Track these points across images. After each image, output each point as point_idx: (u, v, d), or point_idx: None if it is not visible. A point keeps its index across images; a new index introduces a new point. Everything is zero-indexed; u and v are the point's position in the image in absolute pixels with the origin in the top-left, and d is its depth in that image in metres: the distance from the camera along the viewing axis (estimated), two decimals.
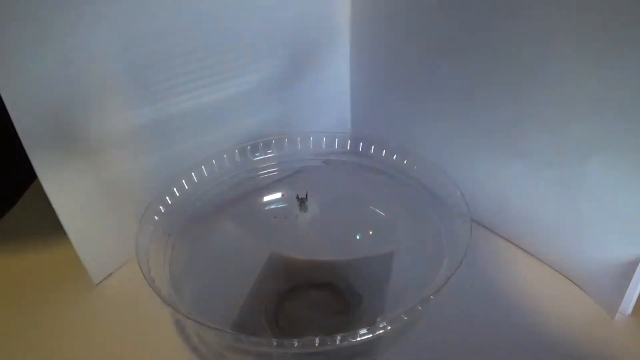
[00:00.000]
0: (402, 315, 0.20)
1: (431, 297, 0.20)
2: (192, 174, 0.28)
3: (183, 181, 0.27)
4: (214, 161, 0.29)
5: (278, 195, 0.33)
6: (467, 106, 0.30)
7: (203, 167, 0.28)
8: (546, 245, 0.30)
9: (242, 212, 0.32)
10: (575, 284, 0.28)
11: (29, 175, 0.31)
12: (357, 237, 0.31)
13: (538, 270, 0.30)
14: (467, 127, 0.30)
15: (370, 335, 0.19)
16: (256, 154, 0.31)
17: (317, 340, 0.19)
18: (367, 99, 0.38)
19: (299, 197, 0.31)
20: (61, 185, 0.26)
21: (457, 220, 0.24)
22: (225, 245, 0.30)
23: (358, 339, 0.19)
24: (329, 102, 0.39)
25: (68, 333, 0.27)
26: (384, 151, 0.29)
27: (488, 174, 0.31)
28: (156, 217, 0.25)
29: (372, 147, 0.30)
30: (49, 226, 0.27)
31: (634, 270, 0.25)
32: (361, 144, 0.30)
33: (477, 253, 0.30)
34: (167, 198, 0.26)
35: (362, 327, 0.19)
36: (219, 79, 0.31)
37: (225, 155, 0.29)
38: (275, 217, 0.32)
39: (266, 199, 0.32)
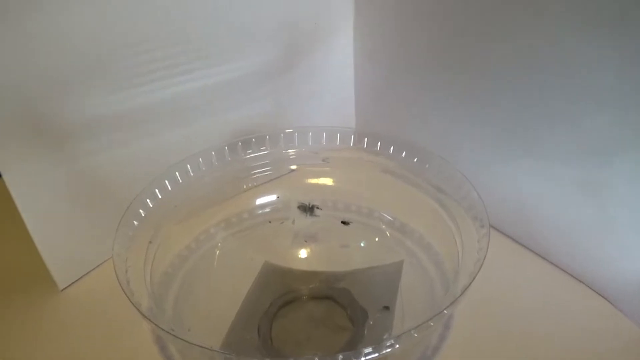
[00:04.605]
0: (413, 332, 0.20)
1: (444, 311, 0.20)
2: (176, 173, 0.28)
3: (166, 181, 0.27)
4: (200, 159, 0.29)
5: (273, 197, 0.33)
6: (484, 99, 0.30)
7: (188, 165, 0.28)
8: (572, 255, 0.30)
9: (233, 217, 0.32)
10: (606, 299, 0.28)
11: None
12: (362, 244, 0.31)
13: (563, 282, 0.29)
14: (484, 123, 0.30)
15: (377, 354, 0.19)
16: (248, 151, 0.31)
17: None
18: (374, 91, 0.38)
19: (306, 206, 0.32)
20: (25, 180, 0.26)
21: (474, 225, 0.24)
22: (214, 253, 0.30)
23: (363, 359, 0.19)
24: (331, 93, 0.39)
25: (27, 341, 0.26)
26: (392, 148, 0.30)
27: (507, 174, 0.31)
28: (135, 222, 0.25)
29: (379, 143, 0.30)
30: (12, 225, 0.27)
31: None
32: (366, 140, 0.30)
33: (496, 262, 0.30)
34: (148, 200, 0.26)
35: (367, 345, 0.19)
36: (205, 64, 0.31)
37: (213, 152, 0.29)
38: (269, 222, 0.32)
39: (259, 201, 0.32)
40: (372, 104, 0.39)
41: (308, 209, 0.32)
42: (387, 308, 0.26)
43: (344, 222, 0.32)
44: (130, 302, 0.20)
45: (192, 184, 0.29)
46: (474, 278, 0.21)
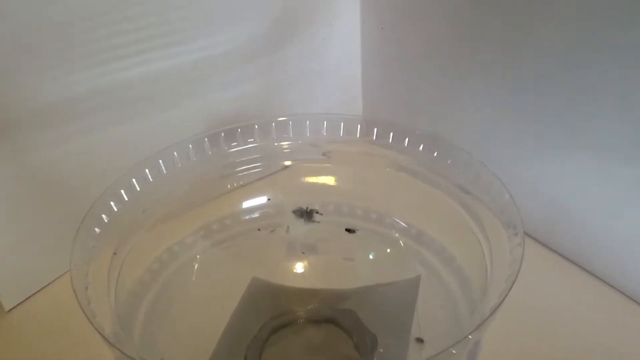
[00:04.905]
0: None
1: (470, 337, 0.20)
2: (146, 170, 0.28)
3: (133, 180, 0.27)
4: (175, 153, 0.29)
5: (263, 199, 0.33)
6: (522, 85, 0.30)
7: (160, 161, 0.29)
8: (624, 270, 0.30)
9: (214, 223, 0.32)
10: None
11: None
12: (370, 256, 0.31)
13: (613, 302, 0.30)
14: (520, 112, 0.31)
15: None
16: (233, 144, 0.31)
17: None
18: (385, 71, 0.39)
19: (304, 210, 0.32)
20: None
21: (506, 233, 0.24)
22: (191, 267, 0.30)
23: None
24: (333, 74, 0.39)
25: None
26: (407, 140, 0.30)
27: (546, 172, 0.31)
28: (97, 230, 0.25)
29: (391, 134, 0.30)
30: None
31: None
32: (376, 130, 0.30)
33: (531, 278, 0.30)
34: (112, 203, 0.26)
35: None
36: (180, 39, 0.31)
37: (190, 145, 0.30)
38: (259, 230, 0.32)
39: (247, 204, 0.33)
40: (382, 87, 0.39)
41: (305, 214, 0.32)
42: (401, 334, 0.26)
43: (348, 230, 0.32)
44: (92, 325, 0.21)
45: (165, 184, 0.29)
46: (505, 297, 0.21)
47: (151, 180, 0.28)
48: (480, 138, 0.32)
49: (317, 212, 0.32)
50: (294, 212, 0.32)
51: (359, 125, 0.31)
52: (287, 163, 0.32)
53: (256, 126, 0.31)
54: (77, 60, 0.28)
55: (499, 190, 0.25)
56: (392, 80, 0.38)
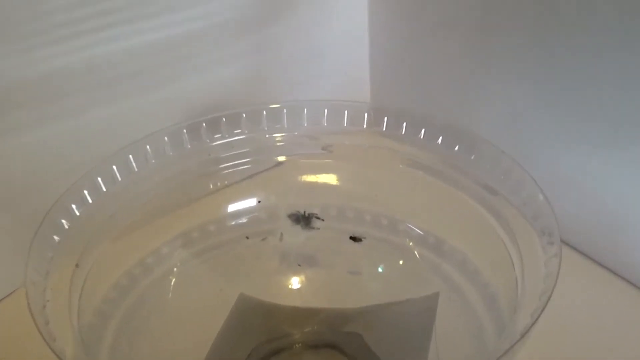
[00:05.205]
0: None
1: None
2: (114, 167, 0.28)
3: (99, 179, 0.28)
4: (147, 147, 0.29)
5: (252, 202, 0.33)
6: (552, 65, 0.30)
7: (131, 156, 0.29)
8: None
9: (194, 230, 0.32)
10: None
11: None
12: (379, 269, 0.32)
13: None
14: (552, 100, 0.31)
15: None
16: (216, 136, 0.31)
17: None
18: (396, 50, 0.39)
19: (300, 215, 0.32)
20: None
21: (540, 242, 0.24)
22: (168, 282, 0.30)
23: None
24: (335, 53, 0.40)
25: None
26: (423, 131, 0.30)
27: (583, 171, 0.31)
28: (56, 238, 0.25)
29: (404, 124, 0.30)
30: None
31: None
32: (386, 120, 0.30)
33: (569, 294, 0.30)
34: (74, 206, 0.27)
35: None
36: (154, 11, 0.31)
37: (166, 138, 0.30)
38: (247, 238, 0.32)
39: (233, 208, 0.33)
40: (394, 69, 0.40)
41: (303, 219, 0.32)
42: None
43: (353, 238, 0.32)
44: (51, 349, 0.21)
45: (136, 183, 0.29)
46: (538, 316, 0.21)
47: (120, 179, 0.28)
48: (508, 130, 0.33)
49: (316, 217, 0.32)
50: (290, 216, 0.32)
51: (365, 114, 0.31)
52: (281, 159, 0.33)
53: (244, 115, 0.31)
54: (28, 37, 0.28)
55: (532, 191, 0.26)
56: (405, 60, 0.38)
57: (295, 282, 0.32)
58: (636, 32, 0.27)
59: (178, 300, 0.30)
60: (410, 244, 0.32)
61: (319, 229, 0.32)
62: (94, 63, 0.31)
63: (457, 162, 0.29)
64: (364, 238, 0.32)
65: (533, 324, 0.21)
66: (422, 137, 0.30)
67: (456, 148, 0.29)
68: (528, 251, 0.25)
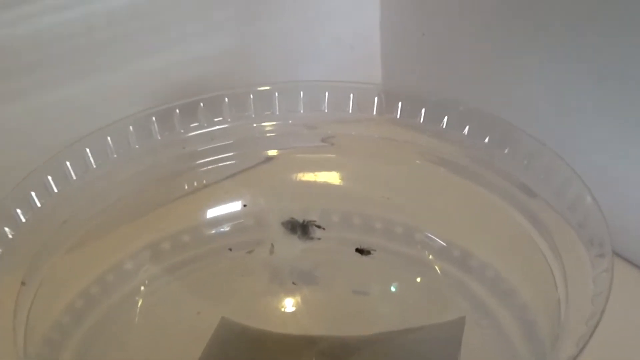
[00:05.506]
0: None
1: None
2: (67, 163, 0.28)
3: (49, 178, 0.28)
4: (109, 138, 0.29)
5: (236, 206, 0.33)
6: (602, 45, 0.30)
7: (88, 150, 0.29)
8: None
9: (165, 240, 0.32)
10: None
11: None
12: (392, 288, 0.32)
13: None
14: (598, 76, 0.31)
15: None
16: (192, 125, 0.31)
17: None
18: (412, 20, 0.39)
19: (296, 222, 0.32)
20: None
21: (588, 254, 0.24)
22: (134, 304, 0.30)
23: None
24: (339, 24, 0.39)
25: None
26: (445, 119, 0.30)
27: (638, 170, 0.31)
28: None
29: (422, 111, 0.30)
30: None
31: None
32: (400, 105, 0.30)
33: (623, 315, 0.30)
34: (19, 211, 0.26)
35: None
36: None
37: (131, 127, 0.30)
38: (230, 250, 0.32)
39: (213, 213, 0.33)
40: (410, 43, 0.40)
41: (300, 228, 0.32)
42: None
43: (360, 251, 0.32)
44: None
45: (95, 183, 0.29)
46: (584, 345, 0.21)
47: (74, 177, 0.28)
48: (550, 117, 0.33)
49: (315, 225, 0.32)
50: (284, 224, 0.32)
51: (375, 98, 0.31)
52: (272, 153, 0.33)
53: (226, 99, 0.31)
54: None
55: (578, 192, 0.26)
56: (424, 32, 0.38)
57: (288, 304, 0.32)
58: None
59: (146, 326, 0.30)
60: (430, 257, 0.32)
61: (319, 239, 0.32)
62: (40, 36, 0.31)
63: (487, 156, 0.29)
64: (374, 250, 0.32)
65: (579, 353, 0.21)
66: (444, 126, 0.30)
67: (486, 139, 0.29)
68: (573, 265, 0.25)
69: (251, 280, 0.32)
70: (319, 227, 0.32)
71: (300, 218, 0.32)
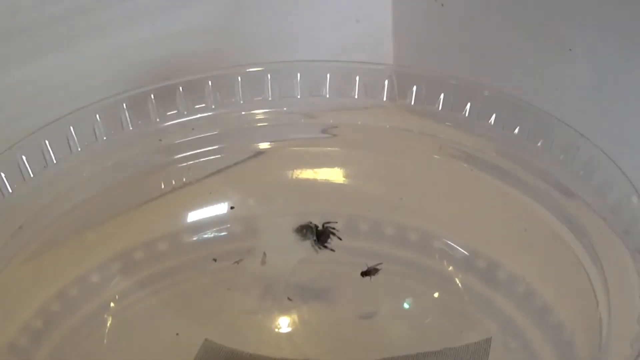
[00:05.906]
0: None
1: None
2: (23, 157, 0.28)
3: (2, 175, 0.28)
4: (71, 128, 0.29)
5: (222, 208, 0.33)
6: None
7: (47, 142, 0.29)
8: None
9: (138, 249, 0.32)
10: None
11: None
12: (406, 305, 0.32)
13: None
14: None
15: None
16: (170, 112, 0.31)
17: None
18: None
19: (313, 227, 0.31)
20: None
21: (634, 263, 0.24)
22: (103, 323, 0.30)
23: None
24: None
25: None
26: (468, 106, 0.30)
27: None
28: None
29: (441, 96, 0.30)
30: None
31: None
32: (415, 89, 0.31)
33: None
34: None
35: None
36: None
37: (97, 115, 0.30)
38: (214, 261, 0.33)
39: (194, 217, 0.33)
40: (427, 17, 0.40)
41: (316, 234, 0.32)
42: None
43: (366, 273, 0.31)
44: None
45: (55, 182, 0.29)
46: None
47: (31, 175, 0.28)
48: (589, 104, 0.33)
49: (332, 232, 0.32)
50: (297, 231, 0.32)
51: (386, 81, 0.31)
52: (263, 146, 0.33)
53: (210, 82, 0.31)
54: None
55: (624, 193, 0.26)
56: (443, 3, 0.39)
57: (283, 324, 0.32)
58: None
59: (116, 350, 0.30)
60: (450, 268, 0.32)
61: (330, 249, 0.32)
62: None
63: (517, 150, 0.29)
64: (384, 261, 0.32)
65: None
66: (466, 114, 0.30)
67: (516, 130, 0.29)
68: (617, 278, 0.25)
69: (239, 295, 0.32)
70: (334, 234, 0.32)
71: (296, 223, 0.32)
